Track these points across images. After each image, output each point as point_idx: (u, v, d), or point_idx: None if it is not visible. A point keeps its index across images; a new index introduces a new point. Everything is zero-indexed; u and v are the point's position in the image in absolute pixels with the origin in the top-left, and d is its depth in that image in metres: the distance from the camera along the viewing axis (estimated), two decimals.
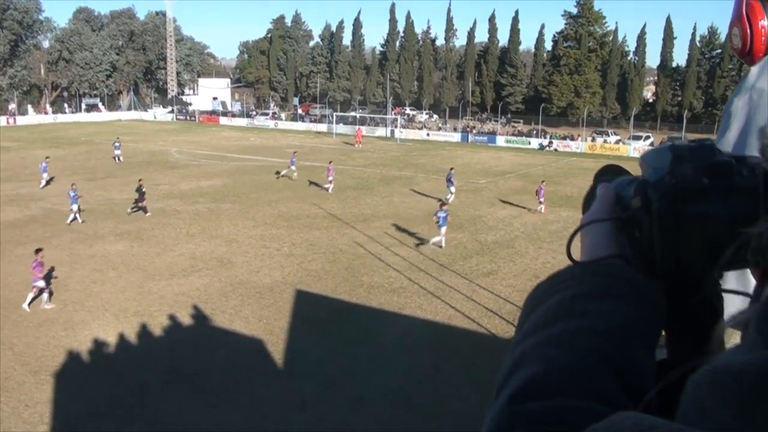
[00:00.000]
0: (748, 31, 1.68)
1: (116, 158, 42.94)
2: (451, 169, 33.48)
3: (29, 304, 16.87)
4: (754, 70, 1.61)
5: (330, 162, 35.61)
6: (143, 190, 28.15)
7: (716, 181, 0.68)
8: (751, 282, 0.64)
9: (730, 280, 0.75)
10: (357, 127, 65.47)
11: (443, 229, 23.37)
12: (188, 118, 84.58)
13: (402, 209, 29.84)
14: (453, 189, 31.64)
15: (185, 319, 16.46)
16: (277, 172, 37.45)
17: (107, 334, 15.31)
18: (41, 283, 17.06)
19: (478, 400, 12.50)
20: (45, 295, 17.15)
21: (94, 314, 16.55)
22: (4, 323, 15.85)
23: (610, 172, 0.91)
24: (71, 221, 25.86)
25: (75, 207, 25.86)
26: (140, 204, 27.86)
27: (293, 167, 36.73)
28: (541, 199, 29.26)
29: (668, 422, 0.43)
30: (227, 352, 14.59)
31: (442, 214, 23.27)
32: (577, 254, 0.77)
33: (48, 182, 33.95)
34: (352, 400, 12.56)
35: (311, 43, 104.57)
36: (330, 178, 33.56)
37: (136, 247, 22.65)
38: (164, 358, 14.23)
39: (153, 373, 13.47)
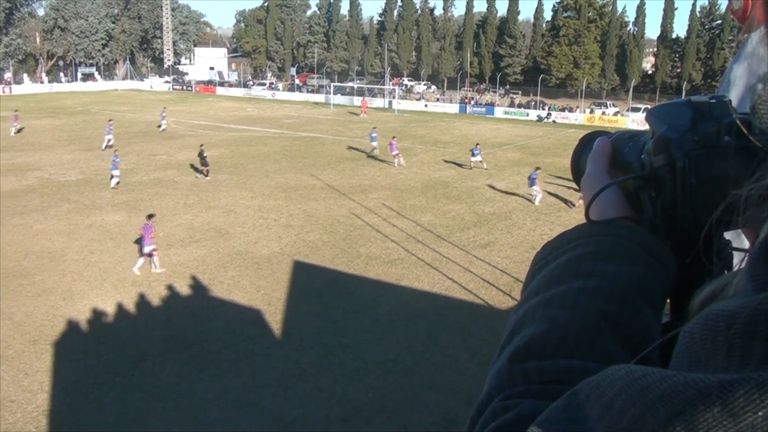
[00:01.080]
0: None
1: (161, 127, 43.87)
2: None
3: (155, 267, 17.60)
4: (754, 36, 1.60)
5: (393, 137, 34.30)
6: (205, 154, 29.51)
7: (737, 140, 0.67)
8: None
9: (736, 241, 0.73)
10: (362, 97, 65.19)
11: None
12: (185, 88, 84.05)
13: (399, 181, 29.81)
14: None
15: (183, 289, 16.53)
16: (370, 154, 35.93)
17: (106, 304, 15.38)
18: (151, 248, 17.63)
19: (475, 371, 12.62)
20: (155, 259, 17.71)
21: (93, 284, 16.60)
22: (4, 293, 15.90)
23: (592, 139, 0.90)
24: (116, 184, 26.93)
25: (116, 172, 27.00)
26: (203, 169, 29.31)
27: (374, 143, 35.68)
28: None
29: (660, 369, 0.44)
30: (225, 322, 14.68)
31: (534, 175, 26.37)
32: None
33: (109, 145, 35.69)
34: (350, 370, 12.67)
35: (309, 13, 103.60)
36: (395, 153, 32.94)
37: (134, 217, 22.63)
38: (163, 327, 14.31)
39: (151, 343, 13.55)
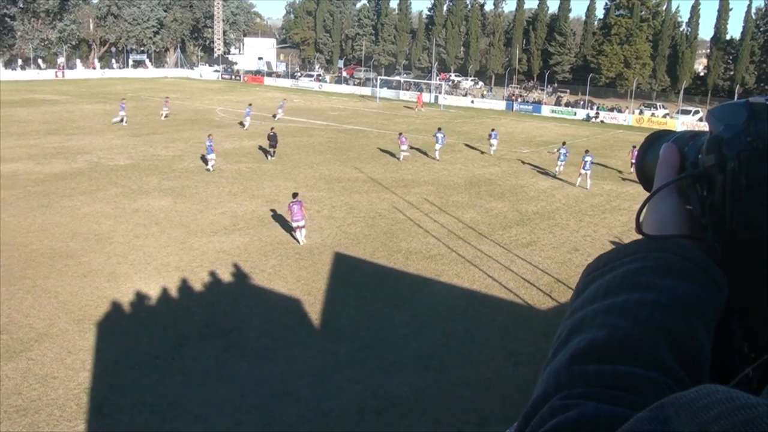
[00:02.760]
0: None
1: (163, 114, 44.18)
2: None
3: (300, 239, 19.44)
4: None
5: (401, 133, 34.69)
6: (274, 134, 31.73)
7: None
8: None
9: None
10: (415, 91, 65.11)
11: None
12: (233, 77, 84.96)
13: (443, 176, 29.68)
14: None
15: (225, 276, 16.71)
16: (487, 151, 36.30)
17: (149, 288, 15.64)
18: (302, 222, 19.41)
19: (511, 370, 12.51)
20: (304, 231, 19.57)
21: (137, 267, 16.89)
22: (51, 272, 16.28)
23: (659, 138, 0.87)
24: (211, 167, 28.27)
25: (213, 156, 28.42)
26: (271, 149, 31.56)
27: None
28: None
29: (766, 402, 0.43)
30: (265, 310, 14.80)
31: (588, 158, 28.28)
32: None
33: (119, 121, 39.87)
34: (386, 364, 12.66)
35: (358, 5, 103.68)
36: (403, 147, 33.04)
37: (179, 203, 22.98)
38: (204, 313, 14.50)
39: (192, 327, 13.74)
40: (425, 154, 34.41)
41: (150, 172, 27.53)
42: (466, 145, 38.73)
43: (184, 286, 15.93)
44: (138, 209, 22.06)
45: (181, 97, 58.52)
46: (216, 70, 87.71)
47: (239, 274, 16.82)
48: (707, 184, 0.71)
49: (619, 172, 32.72)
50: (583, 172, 28.61)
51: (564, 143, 32.50)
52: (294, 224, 19.51)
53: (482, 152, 36.20)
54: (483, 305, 15.67)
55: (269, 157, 31.69)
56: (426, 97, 67.09)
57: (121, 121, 40.12)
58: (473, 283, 17.03)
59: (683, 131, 0.84)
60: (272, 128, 33.23)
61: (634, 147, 31.01)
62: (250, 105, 43.63)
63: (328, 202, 24.15)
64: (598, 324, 0.66)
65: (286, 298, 15.56)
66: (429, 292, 16.34)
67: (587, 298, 0.70)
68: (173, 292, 15.62)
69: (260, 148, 33.52)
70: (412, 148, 34.52)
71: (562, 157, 30.68)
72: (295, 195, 19.95)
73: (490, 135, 36.63)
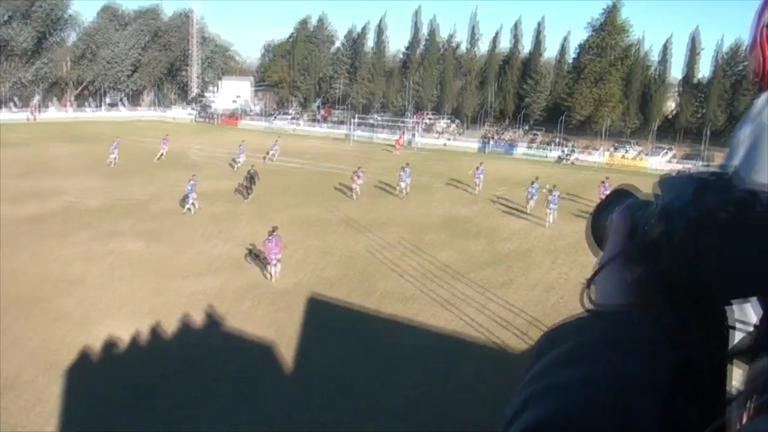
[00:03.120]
0: (761, 58, 1.73)
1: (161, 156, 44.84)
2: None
3: (274, 274, 19.98)
4: (760, 100, 1.65)
5: (359, 167, 35.72)
6: (252, 174, 32.41)
7: (736, 215, 0.69)
8: (751, 315, 0.69)
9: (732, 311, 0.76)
10: (387, 130, 65.72)
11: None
12: (208, 120, 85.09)
13: (418, 216, 29.84)
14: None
15: (199, 319, 16.61)
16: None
17: (121, 332, 15.48)
18: (278, 256, 20.08)
19: (486, 415, 12.51)
20: (279, 266, 20.11)
21: (109, 312, 16.73)
22: (20, 317, 16.07)
23: (615, 201, 0.92)
24: (191, 207, 28.30)
25: (194, 195, 28.43)
26: (250, 188, 31.93)
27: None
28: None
29: None
30: (239, 354, 14.70)
31: (556, 194, 29.40)
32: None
33: (161, 156, 42.34)
34: (362, 407, 12.61)
35: (334, 47, 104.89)
36: (359, 182, 34.03)
37: (153, 245, 22.85)
38: (177, 358, 14.37)
39: (165, 373, 13.60)
40: (391, 191, 34.59)
41: (124, 214, 27.39)
42: (449, 183, 39.02)
43: (158, 331, 15.80)
44: (111, 252, 21.91)
45: (155, 139, 58.35)
46: (191, 111, 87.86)
47: (213, 318, 16.73)
48: (656, 254, 0.74)
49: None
50: (549, 210, 29.53)
51: (535, 179, 33.47)
52: (270, 257, 20.06)
53: (469, 191, 36.48)
54: (458, 347, 15.70)
55: (247, 196, 31.92)
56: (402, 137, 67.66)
57: (161, 157, 42.75)
58: (448, 325, 17.07)
59: (636, 198, 0.89)
60: (252, 166, 34.01)
61: (603, 181, 32.54)
62: (243, 142, 44.91)
63: (303, 244, 24.14)
64: (547, 399, 0.66)
65: (260, 341, 15.48)
66: (404, 334, 16.33)
67: (537, 373, 0.71)
68: (146, 336, 15.48)
69: (238, 187, 33.44)
70: (405, 187, 34.91)
71: (532, 194, 31.87)
72: (273, 230, 20.60)
73: (476, 171, 37.22)
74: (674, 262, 0.71)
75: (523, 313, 18.07)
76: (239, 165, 41.11)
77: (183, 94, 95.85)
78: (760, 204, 0.70)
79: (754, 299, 0.69)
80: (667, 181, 0.77)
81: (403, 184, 34.68)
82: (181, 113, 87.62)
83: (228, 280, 19.62)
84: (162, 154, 44.55)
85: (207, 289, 18.77)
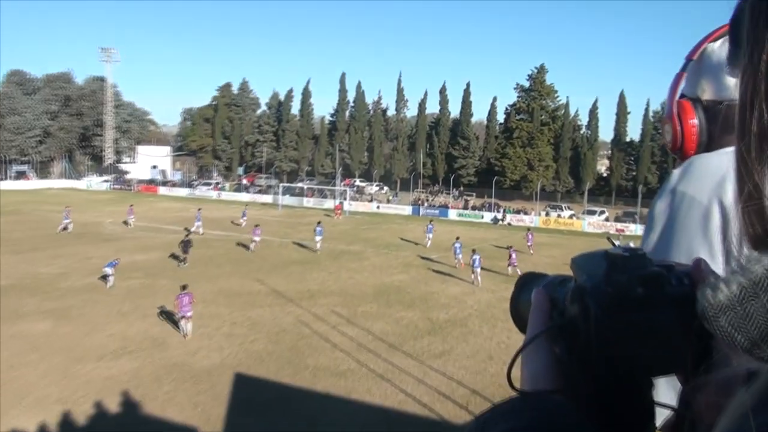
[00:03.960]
0: (679, 128, 1.78)
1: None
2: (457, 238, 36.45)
3: (186, 331, 21.16)
4: (675, 172, 1.66)
5: (257, 225, 39.43)
6: (188, 240, 33.76)
7: (649, 291, 0.71)
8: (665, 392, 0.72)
9: (661, 386, 0.78)
10: (337, 200, 65.66)
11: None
12: (124, 187, 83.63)
13: (350, 285, 29.66)
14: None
15: (113, 406, 15.82)
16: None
17: (26, 424, 14.59)
18: (189, 314, 21.20)
19: None
20: (190, 324, 21.30)
21: (11, 402, 15.77)
22: None
23: (530, 282, 0.93)
24: (110, 286, 27.71)
25: (111, 269, 28.14)
26: (183, 256, 32.79)
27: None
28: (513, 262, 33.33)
29: None
30: None
31: (477, 257, 30.75)
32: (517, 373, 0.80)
33: (65, 228, 42.94)
34: None
35: (258, 112, 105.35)
36: (256, 238, 37.99)
37: (62, 326, 21.89)
38: None
39: None
40: (321, 261, 34.40)
41: (29, 293, 26.25)
42: (381, 250, 39.03)
43: (66, 421, 14.95)
44: (14, 335, 20.83)
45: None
46: (106, 180, 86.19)
47: (129, 404, 15.97)
48: (574, 332, 0.75)
49: None
50: (474, 271, 30.96)
51: (456, 238, 36.75)
52: (181, 314, 21.18)
53: (402, 256, 36.53)
54: (397, 422, 15.38)
55: (182, 264, 32.66)
56: (330, 203, 67.86)
57: (65, 228, 42.70)
58: (386, 400, 16.76)
59: (553, 276, 0.89)
60: (187, 232, 36.19)
61: (527, 232, 34.73)
62: (200, 210, 47.45)
63: (228, 318, 23.58)
64: None
65: (181, 428, 14.81)
66: (339, 411, 15.93)
67: None
68: (53, 428, 14.62)
69: (171, 255, 33.93)
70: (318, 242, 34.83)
71: (457, 251, 34.57)
72: (184, 287, 22.01)
73: (427, 227, 39.56)
74: (592, 340, 0.73)
75: (462, 384, 17.92)
76: (201, 233, 43.49)
77: (97, 162, 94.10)
78: (676, 278, 0.73)
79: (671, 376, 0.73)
80: (579, 261, 0.80)
81: (318, 237, 38.43)
82: (96, 182, 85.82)
83: (146, 362, 18.87)
84: (66, 226, 43.27)
85: (122, 372, 17.98)
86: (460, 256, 34.35)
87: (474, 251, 31.97)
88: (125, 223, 48.13)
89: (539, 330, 0.82)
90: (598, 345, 0.72)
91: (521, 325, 0.91)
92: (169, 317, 23.17)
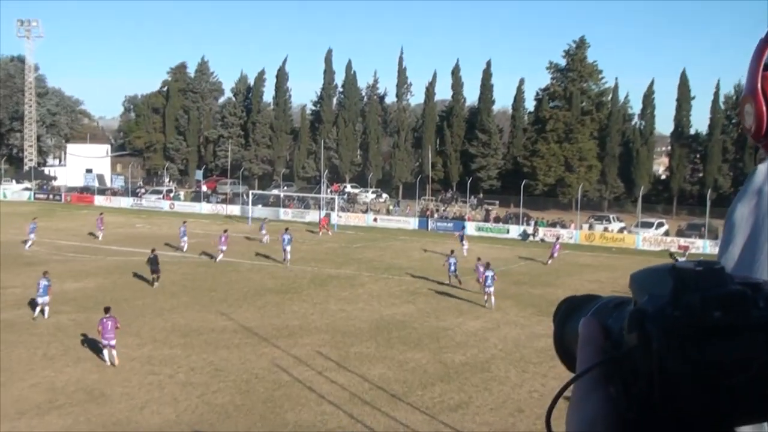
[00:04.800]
0: (765, 109, 1.69)
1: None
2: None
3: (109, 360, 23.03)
4: (761, 168, 1.62)
5: (225, 230, 42.54)
6: (154, 257, 35.79)
7: (730, 316, 0.69)
8: None
9: None
10: (323, 213, 65.63)
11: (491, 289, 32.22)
12: (51, 197, 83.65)
13: (340, 320, 29.64)
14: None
15: None
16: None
17: None
18: (113, 342, 23.20)
19: None
20: (114, 352, 23.18)
21: None
22: None
23: (577, 307, 0.92)
24: (40, 313, 28.84)
25: (46, 299, 29.11)
26: (153, 276, 35.46)
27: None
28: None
29: None
30: None
31: (489, 273, 32.11)
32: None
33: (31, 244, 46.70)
34: None
35: (221, 100, 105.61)
36: (222, 248, 41.64)
37: None
38: None
39: None
40: (304, 288, 34.39)
41: None
42: (380, 273, 39.05)
43: None
44: None
45: None
46: (27, 188, 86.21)
47: None
48: (630, 371, 0.73)
49: None
50: (486, 290, 32.51)
51: (450, 252, 39.04)
52: (104, 342, 23.05)
53: (406, 282, 36.55)
54: None
55: (154, 284, 35.20)
56: (314, 215, 67.90)
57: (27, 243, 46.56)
58: None
59: (606, 298, 0.88)
60: (153, 249, 37.15)
61: (557, 239, 36.34)
62: (185, 223, 50.12)
63: (184, 363, 23.54)
64: None
65: None
66: None
67: None
68: None
69: (135, 274, 36.94)
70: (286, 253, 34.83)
71: (452, 268, 36.62)
72: (107, 310, 23.99)
73: (447, 261, 38.72)
74: (654, 379, 0.71)
75: None
76: (185, 249, 46.25)
77: (15, 165, 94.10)
78: (764, 299, 0.70)
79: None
80: (640, 277, 0.78)
81: (287, 247, 42.16)
82: (14, 189, 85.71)
83: (79, 419, 18.83)
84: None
85: None
86: (454, 271, 36.71)
87: (487, 266, 33.04)
88: (92, 234, 51.91)
89: (583, 368, 0.81)
90: (662, 386, 0.70)
91: (569, 361, 0.91)
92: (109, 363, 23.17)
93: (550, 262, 45.60)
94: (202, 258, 43.82)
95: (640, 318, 0.72)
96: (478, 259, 36.28)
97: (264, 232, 51.70)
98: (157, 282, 35.18)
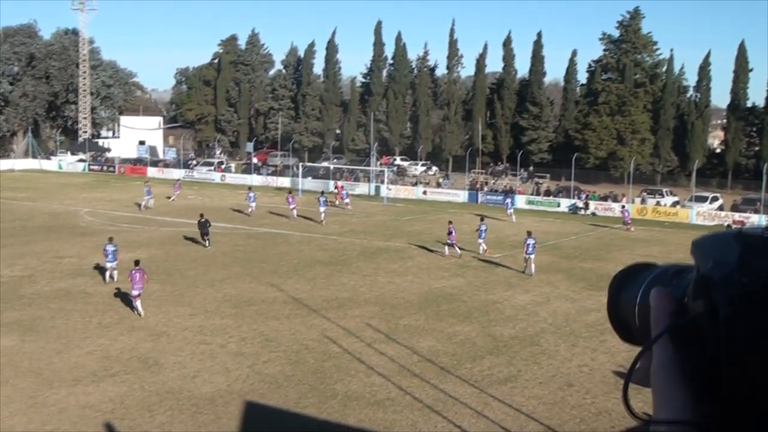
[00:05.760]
0: None
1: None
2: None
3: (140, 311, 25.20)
4: None
5: (289, 191, 44.24)
6: (205, 220, 38.11)
7: None
8: None
9: None
10: (336, 182, 65.81)
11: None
12: (105, 168, 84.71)
13: (389, 292, 29.72)
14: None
15: None
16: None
17: None
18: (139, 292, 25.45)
19: None
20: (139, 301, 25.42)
21: None
22: None
23: (632, 276, 0.91)
24: (108, 279, 29.95)
25: (113, 264, 30.18)
26: (206, 237, 37.82)
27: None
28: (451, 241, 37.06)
29: None
30: None
31: (531, 242, 33.37)
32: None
33: (148, 206, 51.89)
34: None
35: (272, 72, 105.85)
36: (292, 206, 43.09)
37: (28, 341, 22.31)
38: None
39: None
40: (354, 261, 34.50)
41: None
42: (429, 247, 39.07)
43: None
44: None
45: (33, 195, 57.92)
46: (81, 160, 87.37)
47: None
48: (696, 339, 0.71)
49: None
50: (526, 256, 33.67)
51: (482, 219, 39.99)
52: (133, 293, 25.29)
53: (457, 255, 36.55)
54: None
55: (207, 245, 37.59)
56: (364, 188, 67.99)
57: (142, 206, 51.64)
58: None
59: (664, 266, 0.87)
60: (201, 214, 38.98)
61: (623, 207, 39.23)
62: (251, 189, 54.03)
63: (235, 333, 23.80)
64: None
65: None
66: None
67: None
68: None
69: (186, 238, 39.62)
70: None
71: (482, 234, 37.73)
72: (137, 262, 26.22)
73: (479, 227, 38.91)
74: (721, 349, 0.69)
75: (533, 419, 17.88)
76: (252, 210, 50.00)
77: (70, 137, 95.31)
78: None
79: None
80: (702, 244, 0.76)
81: (321, 210, 46.33)
82: (69, 161, 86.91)
83: (133, 387, 19.15)
84: (147, 203, 52.57)
85: (104, 399, 18.29)
86: (482, 239, 37.70)
87: (529, 234, 34.02)
88: (169, 198, 56.21)
89: (649, 340, 0.80)
90: (730, 354, 0.68)
91: (624, 333, 0.91)
92: (161, 333, 23.51)
93: (632, 228, 48.85)
94: (256, 229, 44.10)
95: (705, 285, 0.70)
96: (528, 233, 35.94)
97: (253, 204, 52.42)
98: (210, 245, 37.49)
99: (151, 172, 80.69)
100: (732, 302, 0.67)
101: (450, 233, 37.19)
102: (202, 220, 38.00)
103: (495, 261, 36.31)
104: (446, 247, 37.39)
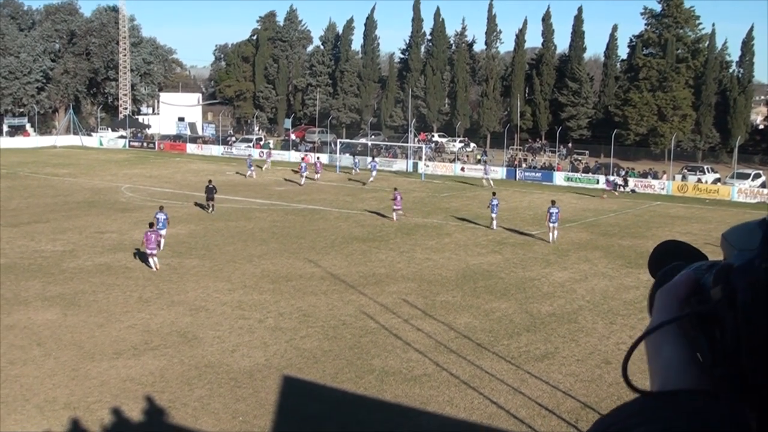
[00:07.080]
0: None
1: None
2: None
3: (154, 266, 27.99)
4: None
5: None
6: (212, 186, 41.38)
7: None
8: None
9: None
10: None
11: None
12: (145, 144, 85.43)
13: (426, 269, 29.73)
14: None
15: (133, 414, 16.33)
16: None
17: (29, 431, 15.21)
18: (155, 251, 28.24)
19: None
20: (156, 259, 28.21)
21: (11, 406, 16.44)
22: None
23: (669, 252, 0.91)
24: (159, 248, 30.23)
25: (164, 231, 31.88)
26: (211, 202, 40.95)
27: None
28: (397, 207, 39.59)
29: None
30: None
31: (554, 210, 34.68)
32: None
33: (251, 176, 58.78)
34: None
35: (310, 48, 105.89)
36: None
37: (70, 315, 22.62)
38: None
39: None
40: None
41: (31, 275, 27.21)
42: (462, 218, 39.01)
43: (76, 430, 15.52)
44: (13, 326, 21.66)
45: (74, 171, 58.56)
46: (122, 136, 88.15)
47: (153, 411, 16.46)
48: (716, 325, 0.71)
49: None
50: (549, 225, 34.94)
51: (494, 193, 40.42)
52: (148, 251, 27.89)
53: (491, 232, 36.51)
54: None
55: (209, 210, 40.73)
56: (401, 164, 67.93)
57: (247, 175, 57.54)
58: (472, 413, 16.82)
59: (701, 263, 0.85)
60: (210, 180, 42.13)
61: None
62: (304, 158, 60.93)
63: (273, 308, 23.95)
64: None
65: None
66: (413, 426, 16.08)
67: None
68: None
69: (195, 203, 42.46)
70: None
71: (494, 209, 38.02)
72: (151, 225, 29.05)
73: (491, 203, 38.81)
74: (740, 333, 0.68)
75: (570, 396, 17.83)
76: (302, 182, 54.86)
77: (111, 114, 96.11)
78: None
79: None
80: (730, 235, 0.76)
81: (373, 172, 50.00)
82: (109, 137, 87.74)
83: (173, 360, 19.36)
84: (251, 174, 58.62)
85: (144, 372, 18.51)
86: (494, 214, 38.10)
87: (553, 203, 35.05)
88: (259, 167, 61.26)
89: (668, 314, 0.81)
90: (750, 340, 0.67)
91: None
92: (200, 308, 23.72)
93: (604, 196, 52.14)
94: (293, 206, 44.28)
95: (725, 271, 0.70)
96: (552, 202, 36.07)
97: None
98: (213, 210, 40.82)
99: (190, 148, 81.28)
100: (751, 286, 0.66)
101: (395, 198, 39.77)
102: (210, 186, 41.26)
103: (533, 235, 36.20)
104: (393, 213, 39.86)
